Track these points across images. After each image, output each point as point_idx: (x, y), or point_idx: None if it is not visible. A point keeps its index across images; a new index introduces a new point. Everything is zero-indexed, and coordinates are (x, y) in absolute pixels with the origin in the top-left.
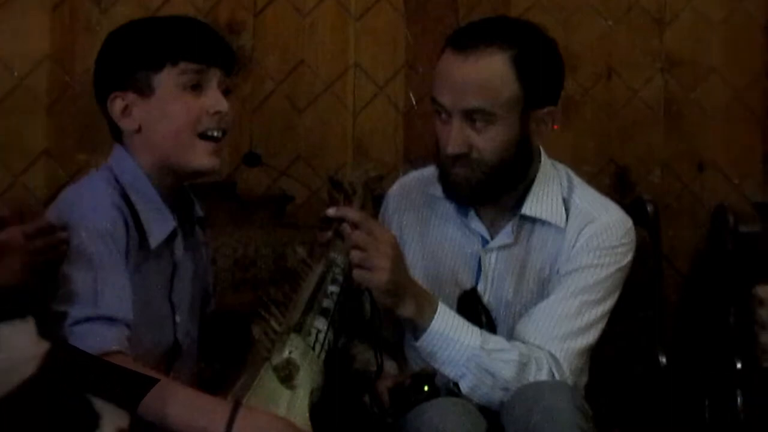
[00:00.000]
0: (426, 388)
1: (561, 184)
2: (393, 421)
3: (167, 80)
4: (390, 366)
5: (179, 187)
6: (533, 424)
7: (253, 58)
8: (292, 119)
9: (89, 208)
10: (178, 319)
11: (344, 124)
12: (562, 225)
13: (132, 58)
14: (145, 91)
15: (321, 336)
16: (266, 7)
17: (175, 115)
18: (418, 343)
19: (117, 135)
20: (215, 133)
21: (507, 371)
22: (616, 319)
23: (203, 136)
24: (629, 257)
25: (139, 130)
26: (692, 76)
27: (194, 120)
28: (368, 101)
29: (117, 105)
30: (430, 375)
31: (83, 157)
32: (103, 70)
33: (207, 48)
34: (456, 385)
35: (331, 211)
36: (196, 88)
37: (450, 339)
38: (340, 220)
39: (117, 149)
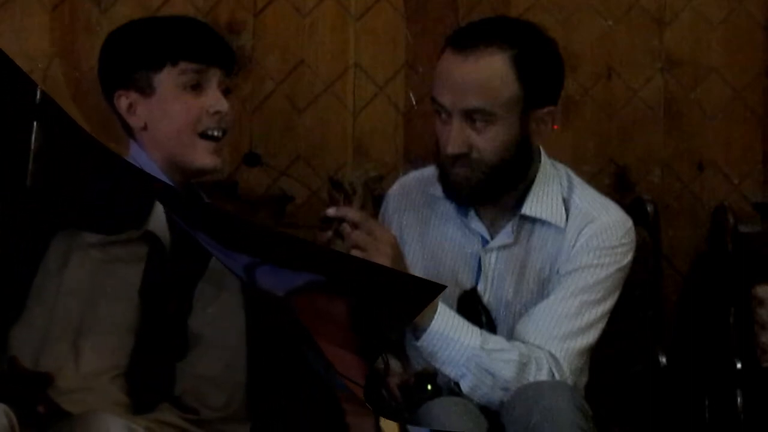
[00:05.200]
0: (429, 387)
1: (561, 184)
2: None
3: (167, 80)
4: (394, 365)
5: (187, 184)
6: (533, 424)
7: (253, 58)
8: (292, 119)
9: None
10: None
11: (344, 124)
12: (562, 225)
13: (132, 57)
14: (146, 90)
15: None
16: (266, 7)
17: (175, 115)
18: (418, 343)
19: (129, 131)
20: (215, 133)
21: (507, 371)
22: (616, 319)
23: (203, 135)
24: (629, 257)
25: (145, 127)
26: (692, 76)
27: (194, 120)
28: (368, 101)
29: (122, 103)
30: (431, 374)
31: None
32: (105, 69)
33: (207, 48)
34: (457, 384)
35: (331, 211)
36: (196, 87)
37: (450, 339)
38: (340, 220)
39: (132, 145)
